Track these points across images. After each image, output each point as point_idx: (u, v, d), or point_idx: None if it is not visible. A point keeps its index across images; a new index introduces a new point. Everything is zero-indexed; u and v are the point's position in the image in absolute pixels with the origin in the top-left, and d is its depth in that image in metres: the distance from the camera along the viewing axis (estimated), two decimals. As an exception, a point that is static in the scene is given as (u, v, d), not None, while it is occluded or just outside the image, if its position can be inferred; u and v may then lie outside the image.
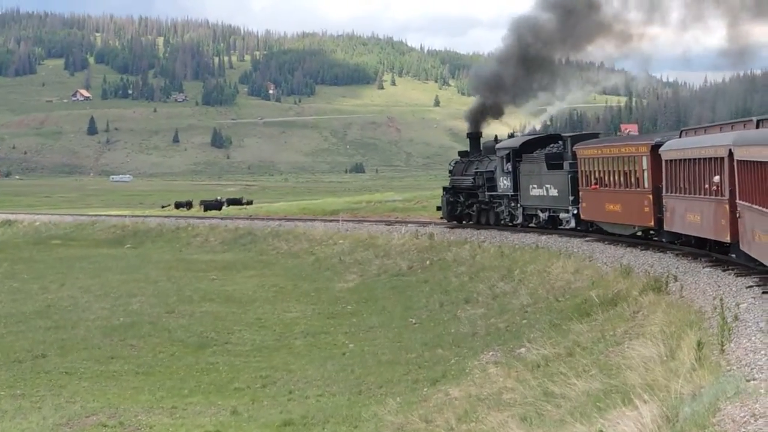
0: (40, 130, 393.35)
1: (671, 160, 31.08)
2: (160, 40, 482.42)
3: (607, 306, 27.14)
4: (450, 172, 52.01)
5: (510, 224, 45.86)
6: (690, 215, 29.36)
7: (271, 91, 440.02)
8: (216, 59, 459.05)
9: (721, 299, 21.98)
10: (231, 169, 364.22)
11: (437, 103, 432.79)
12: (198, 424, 23.39)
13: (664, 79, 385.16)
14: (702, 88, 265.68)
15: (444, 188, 51.79)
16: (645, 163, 33.98)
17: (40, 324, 35.57)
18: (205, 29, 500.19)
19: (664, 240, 33.33)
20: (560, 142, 43.67)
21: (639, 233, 35.95)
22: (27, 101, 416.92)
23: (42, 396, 25.77)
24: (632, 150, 35.29)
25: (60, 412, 24.03)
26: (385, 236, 50.26)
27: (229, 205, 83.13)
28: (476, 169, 48.69)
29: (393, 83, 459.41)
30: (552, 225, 42.77)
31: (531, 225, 44.48)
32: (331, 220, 57.86)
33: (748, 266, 25.56)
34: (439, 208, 52.52)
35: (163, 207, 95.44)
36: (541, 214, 43.41)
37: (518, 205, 45.05)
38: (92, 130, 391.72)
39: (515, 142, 46.34)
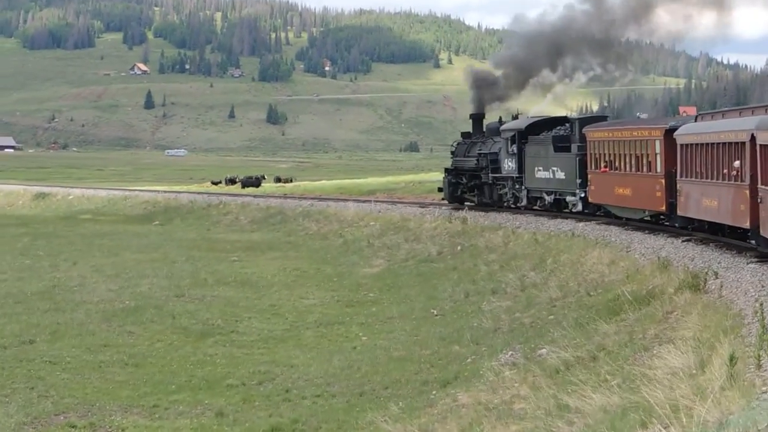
0: (98, 104, 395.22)
1: (687, 144, 30.55)
2: (218, 15, 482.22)
3: (640, 304, 24.56)
4: (452, 153, 51.17)
5: (513, 206, 45.27)
6: (706, 200, 28.90)
7: (327, 68, 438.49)
8: (273, 35, 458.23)
9: (762, 303, 19.46)
10: (285, 145, 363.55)
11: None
12: (176, 427, 21.19)
13: (725, 62, 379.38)
14: (763, 71, 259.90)
15: (446, 169, 51.00)
16: (658, 146, 33.45)
17: (39, 306, 33.55)
18: (263, 5, 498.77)
19: (676, 225, 32.63)
20: (567, 124, 42.87)
21: (647, 218, 35.42)
22: (85, 74, 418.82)
23: (15, 388, 23.63)
24: (645, 133, 34.73)
25: (28, 409, 21.90)
26: (417, 219, 47.87)
27: (243, 186, 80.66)
28: (479, 150, 47.90)
29: (450, 62, 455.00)
30: (557, 208, 42.30)
31: (535, 207, 43.94)
32: (364, 201, 55.52)
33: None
34: (440, 189, 51.69)
35: (213, 183, 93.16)
36: (546, 197, 42.80)
37: (523, 187, 44.46)
38: (149, 104, 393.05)
39: (521, 124, 45.61)
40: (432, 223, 46.07)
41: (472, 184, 48.66)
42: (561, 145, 41.44)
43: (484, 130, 49.79)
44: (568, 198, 41.20)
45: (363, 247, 46.03)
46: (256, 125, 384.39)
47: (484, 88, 52.29)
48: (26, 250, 47.47)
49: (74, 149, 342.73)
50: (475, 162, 47.79)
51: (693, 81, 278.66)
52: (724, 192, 27.42)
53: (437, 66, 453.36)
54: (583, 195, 39.76)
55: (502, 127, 46.89)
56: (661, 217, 34.70)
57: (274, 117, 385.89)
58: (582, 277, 30.79)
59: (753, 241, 26.23)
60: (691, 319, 21.06)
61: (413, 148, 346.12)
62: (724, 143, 27.31)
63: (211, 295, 36.03)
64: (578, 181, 39.83)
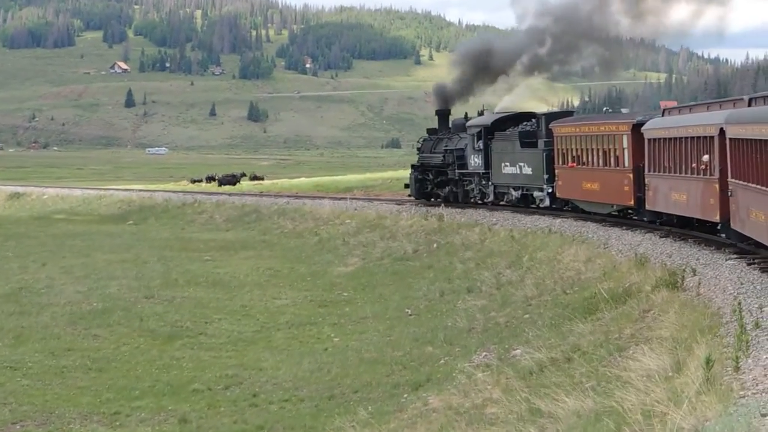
0: (78, 102, 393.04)
1: (654, 139, 30.62)
2: (198, 13, 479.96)
3: (616, 302, 23.97)
4: (418, 149, 51.16)
5: (480, 202, 45.30)
6: (675, 194, 29.00)
7: (308, 65, 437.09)
8: (253, 32, 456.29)
9: (740, 302, 18.87)
10: (267, 143, 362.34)
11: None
12: (136, 435, 20.48)
13: (706, 56, 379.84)
14: (743, 65, 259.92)
15: (412, 166, 50.85)
16: (626, 141, 33.61)
17: (4, 309, 32.77)
18: (243, 2, 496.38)
19: (645, 219, 32.71)
20: (533, 120, 42.80)
21: (614, 212, 35.65)
22: (65, 73, 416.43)
23: (-28, 396, 22.88)
24: (612, 128, 34.88)
25: (-16, 417, 21.16)
26: (393, 216, 47.17)
27: (220, 185, 79.72)
28: (446, 146, 47.83)
29: (431, 58, 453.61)
30: (524, 203, 42.24)
31: (502, 203, 43.91)
32: (340, 198, 54.78)
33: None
34: (407, 186, 51.54)
35: (193, 182, 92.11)
36: (513, 192, 42.79)
37: (489, 183, 44.41)
38: (130, 103, 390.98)
39: (487, 120, 45.51)
40: (408, 220, 45.40)
41: (438, 180, 48.51)
42: (527, 141, 41.50)
43: (450, 126, 49.76)
44: (536, 193, 41.19)
45: (338, 245, 45.31)
46: (238, 123, 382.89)
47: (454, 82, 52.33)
48: (-5, 252, 46.63)
49: (55, 148, 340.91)
50: (442, 158, 47.72)
51: (674, 76, 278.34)
52: (693, 186, 27.48)
53: (418, 62, 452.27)
54: (550, 190, 39.81)
55: (468, 123, 46.86)
56: (629, 211, 34.77)
57: (255, 114, 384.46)
58: (558, 274, 30.18)
59: (723, 235, 26.33)
60: (668, 318, 20.47)
61: (395, 144, 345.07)
62: (692, 137, 27.38)
63: (182, 296, 35.27)
64: (545, 176, 39.84)
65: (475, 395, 20.64)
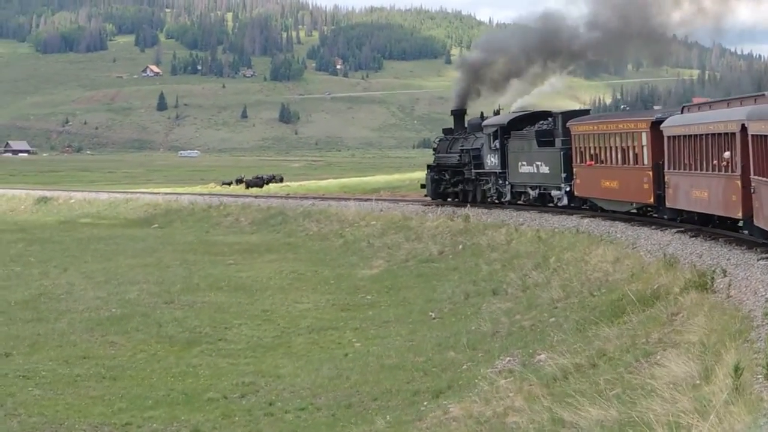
0: (111, 106, 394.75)
1: (674, 136, 30.45)
2: (230, 16, 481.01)
3: (644, 305, 23.15)
4: (434, 149, 51.21)
5: (497, 202, 45.21)
6: (696, 191, 28.89)
7: (338, 66, 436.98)
8: (284, 34, 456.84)
9: (772, 305, 18.12)
10: (299, 144, 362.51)
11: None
12: (147, 447, 19.86)
13: (738, 52, 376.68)
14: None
15: (428, 166, 50.87)
16: (645, 139, 33.52)
17: (22, 316, 32.28)
18: (274, 4, 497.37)
19: (665, 217, 32.71)
20: (550, 119, 42.79)
21: (633, 210, 35.74)
22: (98, 77, 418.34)
23: (-18, 407, 22.32)
24: (631, 126, 34.85)
25: (-8, 429, 20.59)
26: (419, 217, 46.43)
27: (247, 187, 79.16)
28: (462, 146, 47.85)
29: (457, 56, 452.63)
30: (542, 202, 42.29)
31: (519, 202, 43.96)
32: (366, 200, 54.09)
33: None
34: (423, 186, 51.67)
35: (223, 184, 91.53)
36: (531, 192, 42.84)
37: (506, 182, 44.44)
38: (162, 106, 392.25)
39: (503, 119, 45.60)
40: (434, 221, 44.64)
41: (455, 180, 48.46)
42: (544, 140, 41.43)
43: (466, 126, 49.61)
44: (553, 192, 41.10)
45: (363, 247, 44.63)
46: (269, 125, 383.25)
47: (469, 82, 52.20)
48: (18, 257, 46.21)
49: (88, 152, 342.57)
50: (458, 158, 47.66)
51: (707, 72, 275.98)
52: (714, 183, 27.30)
53: (449, 62, 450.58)
54: (568, 189, 39.77)
55: (484, 123, 46.78)
56: (649, 209, 34.74)
57: (286, 116, 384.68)
58: (585, 276, 29.37)
59: (746, 232, 26.29)
60: (697, 321, 19.70)
61: (426, 144, 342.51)
62: (713, 134, 27.17)
63: (202, 301, 34.67)
64: (563, 175, 39.84)
65: (496, 403, 19.92)
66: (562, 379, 19.98)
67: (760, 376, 14.59)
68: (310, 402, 22.83)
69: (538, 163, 41.53)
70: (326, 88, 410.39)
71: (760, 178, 23.28)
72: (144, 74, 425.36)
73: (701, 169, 28.22)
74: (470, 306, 31.49)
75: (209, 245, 48.92)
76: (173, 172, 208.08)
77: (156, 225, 60.70)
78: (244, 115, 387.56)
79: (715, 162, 27.06)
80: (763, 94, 25.22)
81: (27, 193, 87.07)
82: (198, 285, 37.48)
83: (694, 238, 29.09)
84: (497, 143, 44.48)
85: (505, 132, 44.29)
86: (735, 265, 24.07)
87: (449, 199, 49.04)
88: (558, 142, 40.58)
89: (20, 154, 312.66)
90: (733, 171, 25.83)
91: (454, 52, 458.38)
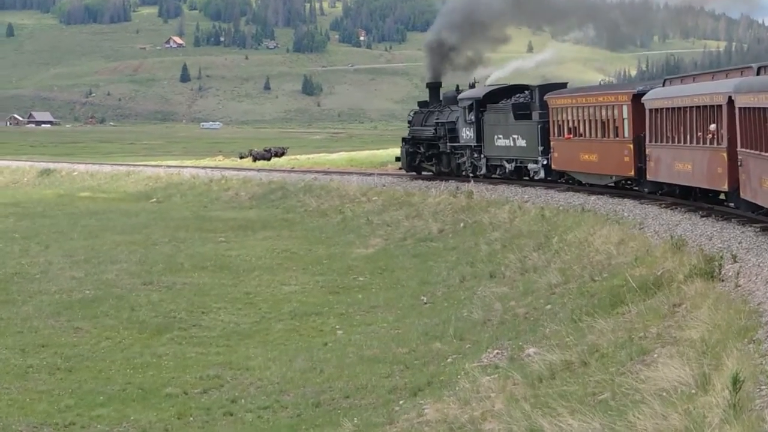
0: (134, 77, 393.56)
1: (656, 109, 30.43)
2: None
3: (645, 293, 21.10)
4: (409, 122, 51.03)
5: (472, 175, 44.56)
6: (679, 164, 28.90)
7: (361, 38, 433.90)
8: (307, 6, 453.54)
9: (782, 301, 16.05)
10: (321, 116, 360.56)
11: (530, 49, 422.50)
12: (85, 452, 17.90)
13: (766, 24, 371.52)
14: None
15: (403, 139, 50.75)
16: (626, 111, 33.54)
17: (-12, 298, 30.37)
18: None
19: (645, 190, 32.63)
20: (527, 92, 42.72)
21: (612, 183, 35.63)
22: (121, 48, 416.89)
23: None
24: (612, 99, 34.91)
25: None
26: (422, 193, 44.29)
27: (254, 160, 77.02)
28: (437, 119, 47.74)
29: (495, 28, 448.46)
30: (518, 176, 42.19)
31: (494, 176, 43.69)
32: (369, 174, 51.96)
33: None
34: (398, 159, 51.56)
35: (241, 157, 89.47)
36: (507, 165, 42.73)
37: (482, 156, 44.30)
38: (185, 78, 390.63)
39: (479, 92, 45.41)
40: (436, 197, 42.52)
41: (429, 153, 48.36)
42: (521, 113, 41.29)
43: (441, 99, 49.36)
44: (530, 165, 41.02)
45: (361, 225, 42.53)
46: (292, 96, 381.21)
47: (442, 55, 51.77)
48: (4, 233, 44.25)
49: (111, 123, 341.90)
50: (433, 131, 47.50)
51: (734, 44, 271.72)
52: (698, 155, 27.29)
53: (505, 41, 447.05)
54: (545, 162, 39.60)
55: (460, 96, 46.52)
56: (629, 182, 34.68)
57: (309, 88, 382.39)
58: (587, 258, 27.27)
59: (731, 204, 26.25)
60: (700, 314, 17.73)
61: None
62: (698, 107, 27.10)
63: (183, 282, 32.69)
64: (540, 148, 39.70)
65: (475, 405, 17.97)
66: (549, 378, 18.05)
67: (764, 387, 12.59)
68: (276, 399, 20.84)
69: (515, 136, 41.43)
70: (349, 59, 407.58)
71: (748, 150, 23.16)
72: (167, 45, 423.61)
73: (685, 142, 28.18)
74: (465, 290, 29.47)
75: (203, 221, 46.93)
76: (193, 144, 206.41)
77: (154, 199, 58.80)
78: (267, 87, 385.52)
79: (699, 134, 27.03)
80: (750, 66, 25.08)
81: (31, 165, 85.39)
82: (182, 265, 35.50)
83: (704, 218, 26.96)
84: (473, 116, 44.27)
85: (481, 105, 44.18)
86: (747, 249, 22.00)
87: (423, 173, 49.19)
88: (535, 115, 40.42)
89: (43, 125, 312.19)
90: (719, 143, 25.78)
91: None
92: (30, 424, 19.24)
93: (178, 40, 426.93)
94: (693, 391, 13.74)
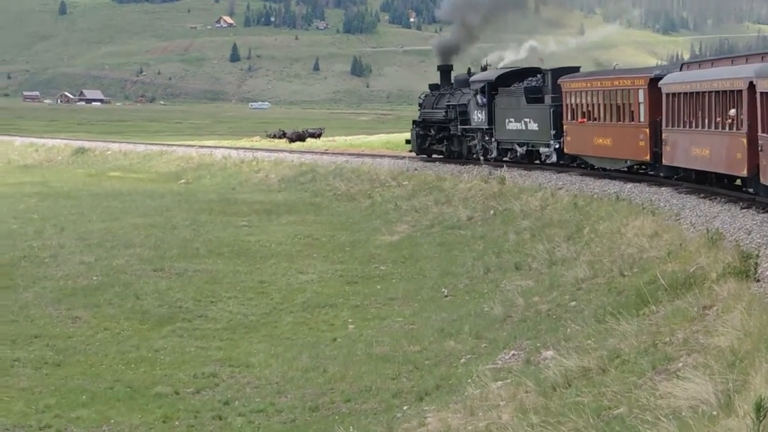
0: (184, 57, 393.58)
1: (674, 93, 30.19)
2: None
3: (676, 292, 19.34)
4: (420, 105, 50.69)
5: (483, 158, 44.07)
6: (696, 149, 28.64)
7: (412, 19, 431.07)
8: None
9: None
10: (370, 97, 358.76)
11: (582, 32, 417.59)
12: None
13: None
14: None
15: (414, 121, 50.57)
16: (642, 96, 33.23)
17: (-8, 283, 29.09)
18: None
19: (661, 175, 32.50)
20: (539, 75, 42.17)
21: (625, 168, 35.43)
22: (172, 28, 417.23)
23: None
24: (628, 83, 34.50)
25: None
26: (453, 178, 42.54)
27: (290, 141, 75.37)
28: (448, 102, 47.20)
29: (536, 10, 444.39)
30: (529, 160, 41.89)
31: (505, 159, 43.19)
32: (401, 157, 50.25)
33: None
34: (408, 142, 51.36)
35: (270, 137, 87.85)
36: (518, 149, 42.34)
37: (493, 139, 43.80)
38: (234, 57, 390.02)
39: (491, 75, 44.97)
40: (468, 183, 40.74)
41: (440, 136, 47.94)
42: (534, 97, 40.86)
43: (452, 81, 48.71)
44: (542, 149, 40.64)
45: (389, 210, 40.87)
46: (341, 77, 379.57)
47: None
48: (23, 213, 43.08)
49: (161, 102, 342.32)
50: (444, 114, 47.05)
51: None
52: (717, 140, 27.01)
53: (525, 17, 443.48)
54: (557, 146, 39.17)
55: (472, 79, 46.16)
56: (643, 167, 34.50)
57: (358, 69, 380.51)
58: (618, 251, 25.47)
59: (751, 190, 26.04)
60: (732, 319, 16.02)
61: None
62: (717, 92, 26.72)
63: (195, 268, 31.24)
64: (552, 132, 39.26)
65: (482, 415, 16.43)
66: (564, 387, 16.41)
67: (795, 415, 10.85)
68: (272, 402, 19.36)
69: (527, 119, 40.94)
70: (399, 41, 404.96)
71: None
72: (218, 25, 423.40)
73: (703, 127, 27.82)
74: (488, 282, 27.81)
75: (229, 204, 45.47)
76: (239, 124, 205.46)
77: (183, 180, 57.46)
78: (316, 68, 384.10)
79: (718, 119, 26.66)
80: None
81: (66, 143, 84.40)
82: (197, 250, 34.07)
83: (744, 210, 25.01)
84: (484, 99, 43.77)
85: (493, 88, 43.62)
86: (788, 245, 20.11)
87: (434, 156, 48.77)
88: (547, 98, 39.91)
89: (93, 103, 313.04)
90: (738, 129, 25.39)
91: (531, 3, 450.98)
92: (2, 425, 17.84)
93: (229, 20, 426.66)
94: (714, 412, 12.11)
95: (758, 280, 17.95)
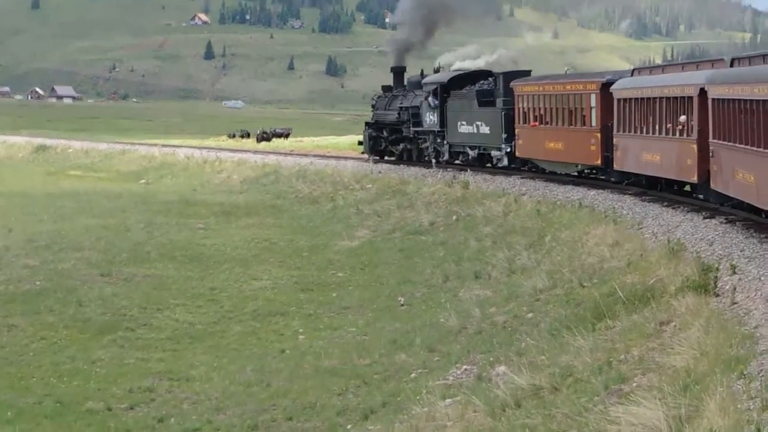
0: (158, 53, 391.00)
1: (625, 99, 30.28)
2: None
3: (634, 305, 18.57)
4: (372, 106, 50.69)
5: (435, 161, 43.79)
6: (646, 154, 28.75)
7: (387, 20, 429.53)
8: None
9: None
10: (345, 98, 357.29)
11: (556, 36, 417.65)
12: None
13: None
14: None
15: (366, 123, 50.45)
16: (594, 101, 33.17)
17: (-72, 289, 27.92)
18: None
19: (612, 179, 32.52)
20: (491, 78, 41.90)
21: (575, 173, 35.38)
22: (146, 24, 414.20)
23: None
24: (580, 87, 34.55)
25: None
26: (417, 181, 41.63)
27: (258, 141, 74.43)
28: (401, 104, 47.10)
29: (511, 14, 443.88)
30: (481, 163, 41.68)
31: (457, 162, 43.28)
32: (366, 160, 49.31)
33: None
34: (360, 143, 51.36)
35: (230, 137, 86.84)
36: (470, 152, 42.21)
37: (444, 141, 43.70)
38: (209, 55, 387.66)
39: (443, 77, 44.81)
40: (431, 187, 39.84)
41: (393, 138, 47.83)
42: (485, 100, 40.57)
43: (405, 83, 48.58)
44: (493, 152, 40.45)
45: (351, 214, 39.89)
46: (316, 77, 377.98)
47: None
48: (-26, 214, 41.90)
49: (134, 100, 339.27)
50: (396, 115, 46.95)
51: (759, 35, 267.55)
52: (667, 146, 27.08)
53: (499, 18, 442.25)
54: (509, 149, 39.02)
55: (424, 81, 46.04)
56: (594, 171, 34.34)
57: (333, 69, 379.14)
58: (579, 261, 24.68)
59: (701, 196, 26.17)
60: (689, 335, 15.41)
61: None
62: (668, 98, 26.88)
63: (145, 274, 30.20)
64: (504, 135, 39.11)
65: (425, 439, 15.57)
66: (514, 407, 15.62)
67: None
68: (209, 420, 18.39)
69: (479, 122, 40.73)
70: (375, 41, 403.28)
71: (721, 141, 22.93)
72: (192, 22, 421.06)
73: (653, 133, 27.84)
74: (446, 291, 26.97)
75: (188, 205, 44.36)
76: (211, 123, 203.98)
77: (144, 180, 56.31)
78: (291, 67, 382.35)
79: (669, 125, 26.74)
80: (722, 59, 24.92)
81: (27, 140, 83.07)
82: (149, 254, 33.00)
83: (707, 220, 24.22)
84: (436, 102, 43.58)
85: (445, 90, 43.43)
86: (748, 258, 19.34)
87: (386, 157, 48.56)
88: (499, 102, 39.70)
89: (65, 100, 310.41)
90: (689, 135, 25.57)
91: (506, 8, 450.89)
92: None
93: (204, 17, 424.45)
94: (665, 442, 11.38)
95: (718, 295, 17.26)
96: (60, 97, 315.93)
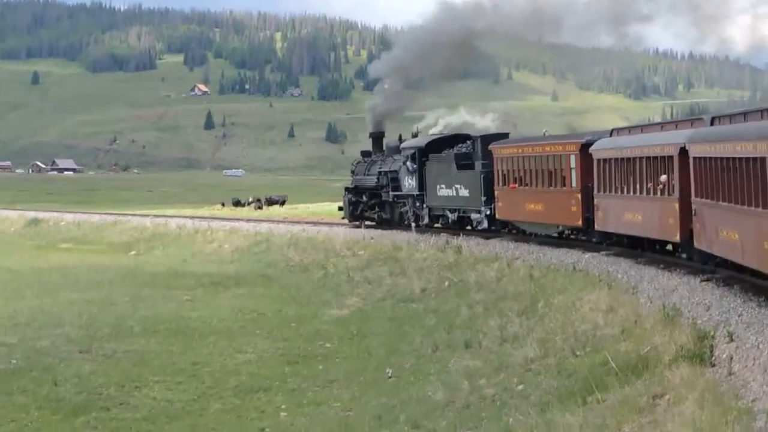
0: (159, 125, 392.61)
1: (605, 159, 30.46)
2: (278, 35, 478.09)
3: (627, 376, 17.61)
4: (352, 172, 51.32)
5: (415, 224, 44.43)
6: (628, 214, 28.80)
7: (386, 86, 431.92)
8: (332, 54, 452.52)
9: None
10: (345, 164, 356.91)
11: (555, 98, 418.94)
12: None
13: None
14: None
15: (346, 188, 51.24)
16: (573, 161, 33.29)
17: None
18: (323, 24, 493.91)
19: (593, 240, 32.53)
20: (469, 141, 42.18)
21: (555, 234, 35.49)
22: (146, 96, 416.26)
23: None
24: (559, 149, 34.63)
25: None
26: (410, 247, 40.81)
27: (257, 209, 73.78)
28: (380, 168, 47.70)
29: (509, 77, 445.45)
30: (460, 226, 41.94)
31: (437, 225, 43.66)
32: (358, 226, 48.56)
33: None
34: (340, 209, 51.93)
35: (223, 205, 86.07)
36: (450, 215, 42.56)
37: (424, 205, 44.11)
38: (209, 125, 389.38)
39: (421, 142, 45.21)
40: (424, 252, 39.00)
41: (372, 202, 48.46)
42: (464, 163, 40.99)
43: (384, 148, 49.16)
44: (473, 215, 40.78)
45: (341, 282, 39.01)
46: (316, 144, 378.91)
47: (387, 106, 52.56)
48: (-45, 291, 40.93)
49: (135, 171, 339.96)
50: (376, 180, 47.67)
51: (758, 93, 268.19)
52: (649, 206, 27.18)
53: (497, 82, 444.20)
54: (488, 212, 39.35)
55: (402, 145, 46.53)
56: (575, 232, 34.35)
57: (333, 135, 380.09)
58: (572, 328, 23.74)
59: (684, 255, 26.23)
60: (683, 410, 14.39)
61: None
62: (648, 157, 27.02)
63: (126, 349, 29.15)
64: (483, 198, 39.50)
65: None
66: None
67: None
68: (178, 505, 17.30)
69: (458, 186, 41.15)
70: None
71: (703, 200, 23.07)
72: (192, 93, 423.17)
73: (634, 192, 28.04)
74: (435, 362, 25.97)
75: (176, 277, 43.42)
76: (211, 192, 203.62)
77: (134, 252, 55.46)
78: (291, 135, 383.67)
79: (650, 185, 26.89)
80: (701, 118, 25.17)
81: (20, 214, 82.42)
82: (131, 328, 31.98)
83: (704, 284, 23.35)
84: (415, 166, 44.15)
85: (423, 154, 43.92)
86: (746, 324, 18.47)
87: (366, 222, 49.02)
88: (478, 165, 40.10)
89: (66, 173, 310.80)
90: (670, 194, 25.70)
91: (503, 71, 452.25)
92: None
93: (203, 88, 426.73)
94: None
95: (714, 365, 16.34)
96: (61, 170, 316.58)
